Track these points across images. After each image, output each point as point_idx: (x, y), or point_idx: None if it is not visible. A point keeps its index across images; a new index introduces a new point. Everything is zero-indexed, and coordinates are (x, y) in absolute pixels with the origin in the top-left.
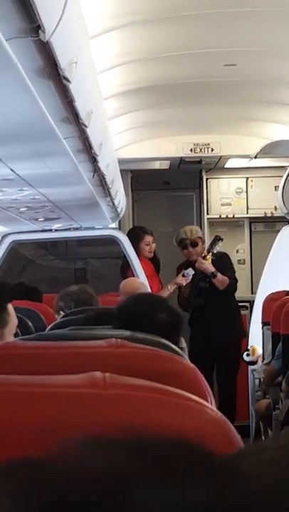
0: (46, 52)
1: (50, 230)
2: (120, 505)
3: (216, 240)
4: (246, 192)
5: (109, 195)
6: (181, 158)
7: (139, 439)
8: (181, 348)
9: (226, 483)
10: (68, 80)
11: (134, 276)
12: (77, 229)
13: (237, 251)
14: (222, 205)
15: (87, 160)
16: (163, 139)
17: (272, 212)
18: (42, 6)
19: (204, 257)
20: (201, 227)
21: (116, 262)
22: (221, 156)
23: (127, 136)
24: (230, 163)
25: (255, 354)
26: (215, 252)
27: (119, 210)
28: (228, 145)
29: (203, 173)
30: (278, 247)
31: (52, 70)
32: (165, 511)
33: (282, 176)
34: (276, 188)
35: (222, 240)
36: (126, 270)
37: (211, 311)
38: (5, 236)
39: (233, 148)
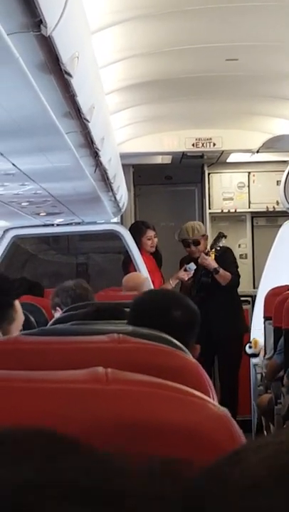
0: (48, 47)
1: (52, 225)
2: None
3: (220, 236)
4: (248, 186)
5: (111, 189)
6: (183, 152)
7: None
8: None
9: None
10: (70, 75)
11: (136, 270)
12: (79, 224)
13: (239, 245)
14: (224, 199)
15: (89, 154)
16: (165, 133)
17: (274, 207)
18: (44, 1)
19: (207, 253)
20: (203, 222)
21: (118, 256)
22: (223, 151)
23: (129, 131)
24: (232, 158)
25: (257, 346)
26: (218, 248)
27: (121, 204)
28: (230, 139)
29: (205, 168)
30: (280, 242)
31: (54, 65)
32: None
33: (284, 171)
34: (278, 182)
35: (225, 236)
36: (128, 265)
37: (213, 306)
38: (7, 231)
39: (235, 142)
